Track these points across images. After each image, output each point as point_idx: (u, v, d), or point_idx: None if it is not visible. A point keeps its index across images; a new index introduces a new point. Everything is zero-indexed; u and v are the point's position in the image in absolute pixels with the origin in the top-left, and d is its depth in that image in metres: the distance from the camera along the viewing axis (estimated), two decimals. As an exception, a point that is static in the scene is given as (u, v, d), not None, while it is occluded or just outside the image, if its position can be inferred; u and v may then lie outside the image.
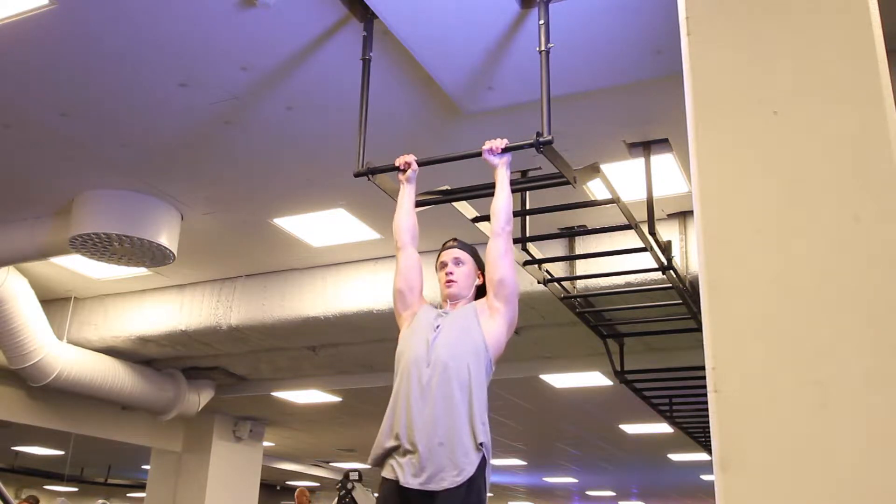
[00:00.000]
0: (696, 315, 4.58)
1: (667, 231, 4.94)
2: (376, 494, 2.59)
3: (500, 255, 2.62)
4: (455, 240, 2.85)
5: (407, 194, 2.90)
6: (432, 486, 2.36)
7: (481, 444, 2.41)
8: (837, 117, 1.72)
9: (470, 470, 2.37)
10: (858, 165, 1.67)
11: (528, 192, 3.96)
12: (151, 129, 4.29)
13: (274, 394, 8.61)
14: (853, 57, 1.74)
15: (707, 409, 1.67)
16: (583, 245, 5.23)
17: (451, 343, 2.53)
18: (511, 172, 2.82)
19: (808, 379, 1.59)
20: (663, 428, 9.41)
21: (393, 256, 6.07)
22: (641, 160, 4.28)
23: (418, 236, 2.87)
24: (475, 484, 2.38)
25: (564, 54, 3.33)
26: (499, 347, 2.58)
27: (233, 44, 3.53)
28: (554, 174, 3.17)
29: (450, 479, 2.35)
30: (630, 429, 10.33)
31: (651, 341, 6.04)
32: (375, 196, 4.05)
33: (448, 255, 2.80)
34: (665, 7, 3.08)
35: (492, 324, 2.59)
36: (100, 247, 5.04)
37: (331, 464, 15.55)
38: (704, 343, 1.71)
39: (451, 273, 2.75)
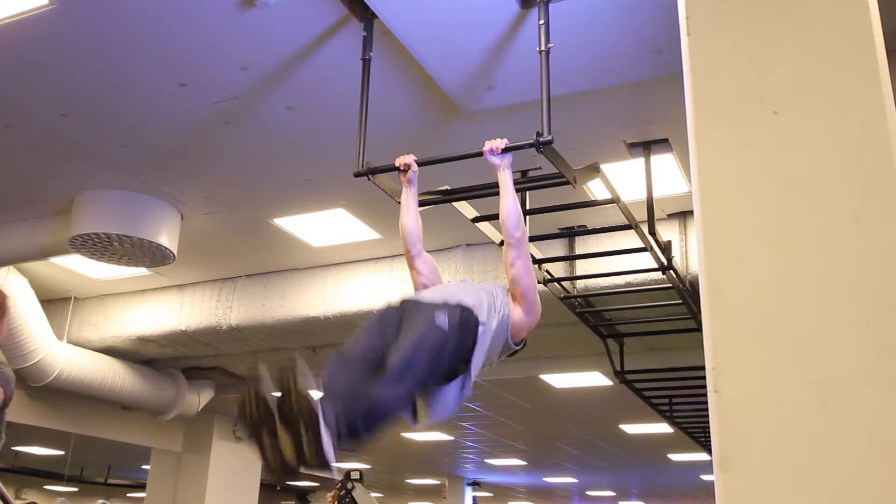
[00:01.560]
0: (696, 315, 4.58)
1: (667, 231, 4.94)
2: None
3: (511, 263, 2.65)
4: None
5: (411, 199, 2.92)
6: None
7: (482, 322, 2.45)
8: (837, 117, 1.72)
9: (469, 311, 2.41)
10: (858, 165, 1.67)
11: (528, 192, 3.96)
12: (151, 129, 4.29)
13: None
14: (853, 57, 1.74)
15: (707, 409, 1.67)
16: (583, 245, 5.23)
17: (473, 290, 2.60)
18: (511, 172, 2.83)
19: (808, 379, 1.59)
20: (663, 428, 9.41)
21: (393, 256, 6.07)
22: (641, 160, 4.28)
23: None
24: (471, 320, 2.39)
25: (564, 54, 3.33)
26: (517, 325, 2.61)
27: (233, 44, 3.53)
28: (554, 174, 3.17)
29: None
30: (630, 429, 10.33)
31: (651, 341, 6.04)
32: (375, 196, 4.05)
33: None
34: (665, 7, 3.08)
35: (514, 306, 2.64)
36: (100, 247, 5.04)
37: (331, 464, 15.52)
38: (704, 343, 1.71)
39: None
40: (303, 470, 1.99)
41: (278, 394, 2.01)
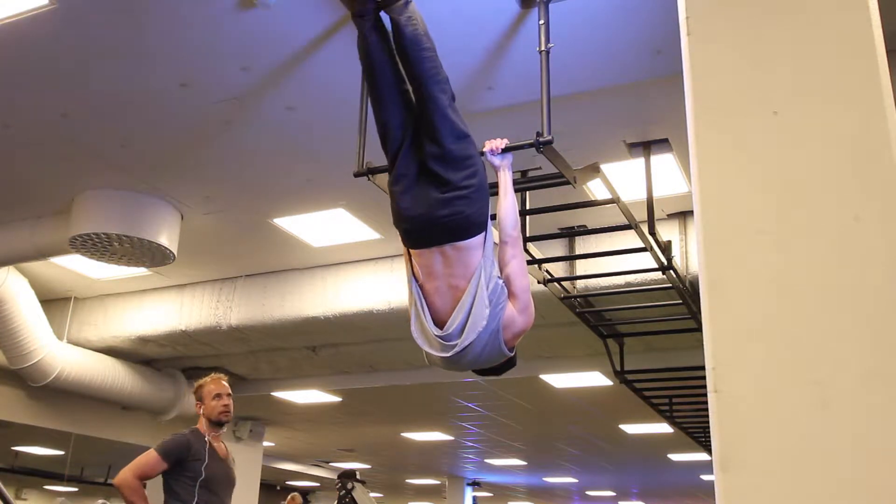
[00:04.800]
0: (696, 315, 4.58)
1: (667, 231, 4.94)
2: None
3: (506, 261, 2.64)
4: None
5: None
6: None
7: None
8: (837, 117, 1.72)
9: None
10: (858, 165, 1.67)
11: (528, 192, 3.96)
12: (151, 129, 4.29)
13: (274, 394, 8.61)
14: (853, 57, 1.74)
15: (707, 409, 1.67)
16: (583, 245, 5.23)
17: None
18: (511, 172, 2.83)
19: (808, 379, 1.59)
20: (663, 428, 9.41)
21: (393, 256, 6.07)
22: (641, 160, 4.28)
23: None
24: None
25: (564, 54, 3.33)
26: (509, 319, 2.56)
27: (233, 44, 3.53)
28: (554, 174, 3.17)
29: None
30: (630, 429, 10.34)
31: (651, 341, 6.04)
32: (375, 196, 4.05)
33: None
34: (665, 7, 3.08)
35: (508, 304, 2.60)
36: (100, 247, 5.04)
37: (331, 464, 15.55)
38: (704, 343, 1.71)
39: None
40: None
41: None
